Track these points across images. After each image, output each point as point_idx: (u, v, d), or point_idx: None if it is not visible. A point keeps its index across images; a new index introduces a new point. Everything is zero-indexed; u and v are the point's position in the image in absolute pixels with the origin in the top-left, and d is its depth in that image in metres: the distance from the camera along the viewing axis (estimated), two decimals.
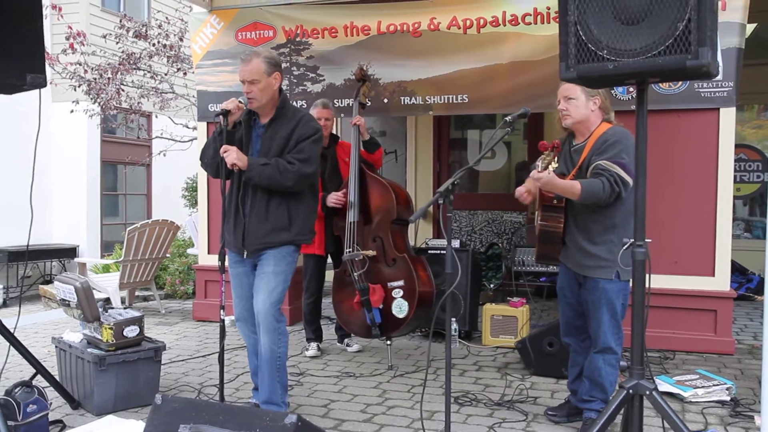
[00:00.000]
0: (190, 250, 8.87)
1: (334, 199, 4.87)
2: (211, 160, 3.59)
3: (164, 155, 10.93)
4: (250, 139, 3.60)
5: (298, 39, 5.93)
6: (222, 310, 3.58)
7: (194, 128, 9.85)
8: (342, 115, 5.95)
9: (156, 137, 11.05)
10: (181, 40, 9.60)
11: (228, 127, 3.49)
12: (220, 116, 3.49)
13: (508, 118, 3.20)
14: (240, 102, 3.51)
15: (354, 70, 5.41)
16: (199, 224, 6.83)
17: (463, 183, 8.13)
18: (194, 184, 10.20)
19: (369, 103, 5.20)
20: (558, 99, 3.60)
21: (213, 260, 6.60)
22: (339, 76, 5.85)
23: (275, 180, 3.43)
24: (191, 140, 10.26)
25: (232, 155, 3.42)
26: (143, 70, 9.69)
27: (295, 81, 6.00)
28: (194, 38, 6.39)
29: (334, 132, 5.19)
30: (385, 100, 5.65)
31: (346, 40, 5.76)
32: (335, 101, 5.91)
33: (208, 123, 6.49)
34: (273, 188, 3.49)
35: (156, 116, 11.75)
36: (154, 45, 9.45)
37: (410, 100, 5.61)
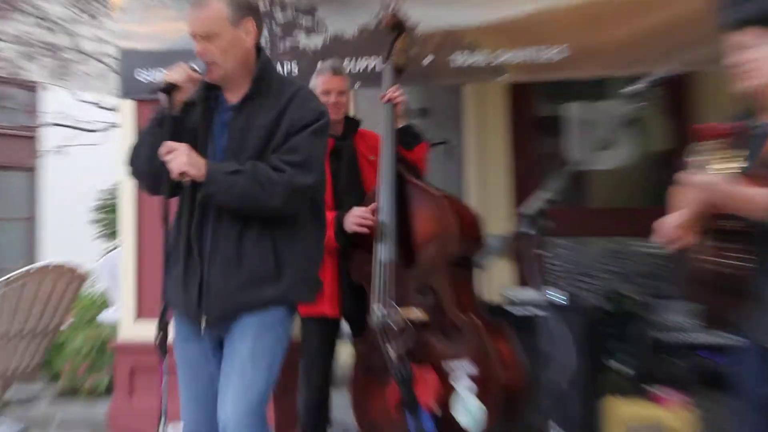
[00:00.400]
0: (103, 315, 7.79)
1: (356, 219, 4.29)
2: (145, 166, 3.22)
3: (61, 153, 10.01)
4: (210, 131, 3.29)
5: None
6: (162, 421, 3.28)
7: (112, 109, 9.34)
8: (358, 84, 5.17)
9: (48, 124, 10.20)
10: None
11: (174, 111, 3.18)
12: (161, 93, 3.15)
13: (638, 85, 3.04)
14: (193, 70, 3.22)
15: (380, 13, 4.96)
16: (122, 270, 6.02)
17: (564, 193, 7.13)
18: (112, 202, 9.81)
19: (404, 68, 4.61)
20: (728, 48, 3.10)
21: (146, 332, 5.44)
22: (352, 22, 5.23)
23: (252, 198, 3.10)
24: (107, 128, 9.68)
25: (180, 158, 3.06)
26: (26, 13, 9.01)
27: (278, 32, 5.33)
28: None
29: (350, 114, 4.64)
30: (428, 60, 5.05)
31: None
32: (345, 64, 5.13)
33: (137, 102, 5.76)
34: (249, 211, 3.16)
35: (47, 89, 10.67)
36: None
37: (469, 59, 5.08)
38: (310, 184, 3.22)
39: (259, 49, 3.35)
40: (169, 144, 3.13)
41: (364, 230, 4.27)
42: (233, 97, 3.32)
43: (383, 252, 4.21)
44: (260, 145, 3.25)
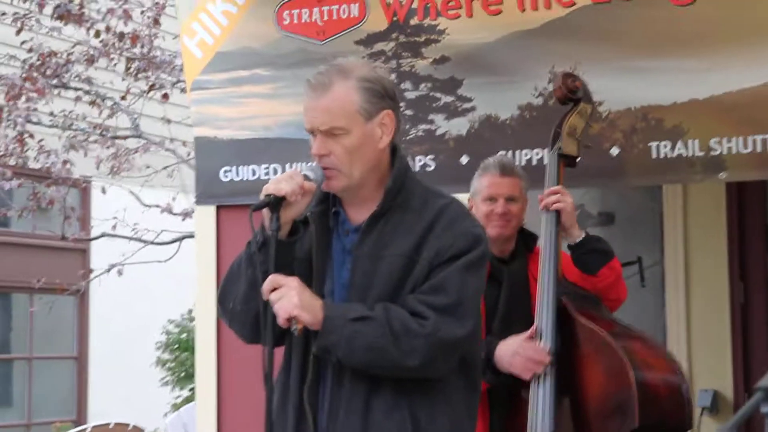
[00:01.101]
0: None
1: (523, 362, 3.92)
2: (241, 307, 3.04)
3: (119, 273, 9.54)
4: (328, 260, 3.10)
5: (414, 22, 4.99)
6: None
7: (185, 214, 9.28)
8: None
9: (101, 236, 9.82)
10: (155, 24, 8.82)
11: (281, 234, 2.96)
12: (264, 209, 2.95)
13: None
14: (307, 178, 2.99)
15: (551, 81, 4.62)
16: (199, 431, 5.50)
17: None
18: (186, 338, 9.78)
19: (579, 157, 4.30)
20: None
21: None
22: (509, 99, 4.85)
23: (383, 354, 2.91)
24: (178, 240, 9.39)
25: (290, 298, 2.88)
26: (75, 88, 9.05)
27: (408, 113, 4.98)
28: (186, 27, 5.38)
29: (525, 227, 4.32)
30: (614, 150, 4.64)
31: (520, 18, 4.83)
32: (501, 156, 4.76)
33: (218, 208, 5.30)
34: (379, 371, 2.95)
35: (104, 190, 10.44)
36: (98, 35, 8.71)
37: (673, 149, 4.62)
38: (462, 337, 3.01)
39: (394, 150, 3.14)
40: (275, 279, 2.91)
41: (527, 377, 3.92)
42: (358, 214, 3.09)
43: (539, 417, 3.89)
44: (394, 281, 3.02)
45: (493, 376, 3.93)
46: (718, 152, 4.55)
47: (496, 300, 4.11)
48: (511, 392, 4.08)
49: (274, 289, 2.91)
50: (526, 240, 4.27)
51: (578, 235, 4.07)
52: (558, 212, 4.07)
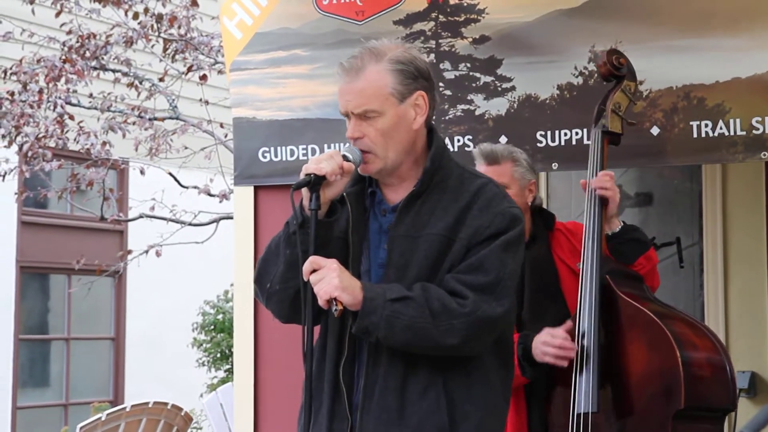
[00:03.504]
0: None
1: (549, 349, 3.85)
2: (279, 287, 3.05)
3: (157, 254, 9.57)
4: (364, 240, 3.11)
5: (454, 1, 5.03)
6: None
7: (223, 196, 9.34)
8: (555, 165, 4.93)
9: (139, 217, 9.85)
10: (193, 5, 8.71)
11: (319, 215, 2.97)
12: (302, 189, 2.97)
13: None
14: (346, 158, 3.00)
15: (591, 61, 4.70)
16: (236, 412, 5.50)
17: None
18: (222, 320, 9.87)
19: (622, 134, 4.25)
20: None
21: None
22: (548, 78, 4.86)
23: (422, 334, 2.94)
24: (215, 221, 9.44)
25: (330, 280, 2.90)
26: (113, 70, 9.12)
27: (447, 93, 5.01)
28: (226, 7, 5.37)
29: (536, 202, 4.35)
30: (655, 129, 4.66)
31: None
32: (540, 136, 4.83)
33: (256, 189, 5.31)
34: (416, 350, 2.99)
35: (142, 171, 10.38)
36: (136, 17, 8.64)
37: (714, 128, 4.64)
38: (500, 315, 3.01)
39: (430, 129, 3.16)
40: (315, 260, 2.93)
41: (562, 363, 3.86)
42: (395, 194, 3.11)
43: (582, 398, 3.84)
44: (431, 260, 3.03)
45: (532, 370, 3.96)
46: (760, 131, 4.54)
47: (522, 287, 4.10)
48: (549, 384, 4.10)
49: (314, 270, 2.93)
50: (545, 220, 4.27)
51: (617, 225, 4.06)
52: (605, 196, 4.08)
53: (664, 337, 3.88)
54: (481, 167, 4.11)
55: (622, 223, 4.07)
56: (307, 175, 2.94)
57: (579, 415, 3.85)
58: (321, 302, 2.91)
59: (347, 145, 3.13)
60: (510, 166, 4.12)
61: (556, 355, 3.88)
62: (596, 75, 4.48)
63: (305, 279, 2.95)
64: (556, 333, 3.94)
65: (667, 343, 3.87)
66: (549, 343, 3.89)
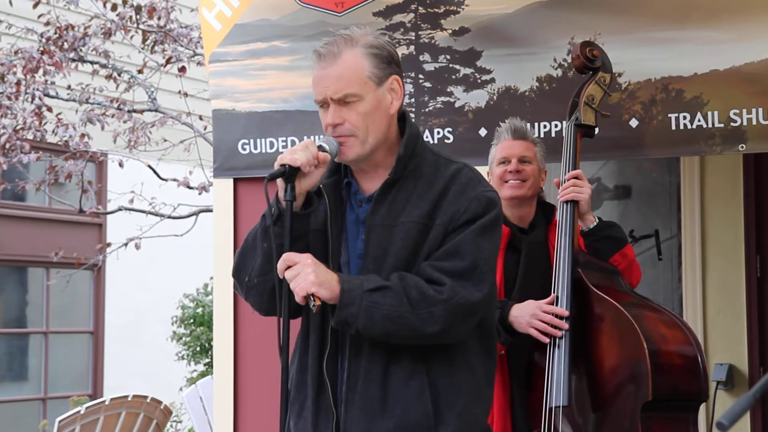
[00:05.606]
0: None
1: (536, 323, 3.94)
2: (259, 279, 3.07)
3: (136, 247, 9.62)
4: (342, 231, 3.13)
5: None
6: None
7: (202, 188, 9.33)
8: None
9: (118, 209, 9.91)
10: None
11: (295, 206, 2.98)
12: (278, 179, 2.96)
13: None
14: (322, 149, 3.00)
15: (570, 53, 4.68)
16: (216, 406, 5.47)
17: None
18: (202, 313, 9.95)
19: (596, 127, 4.29)
20: None
21: None
22: (528, 70, 4.93)
23: (401, 323, 2.96)
24: (195, 214, 9.47)
25: (305, 276, 2.90)
26: (92, 62, 9.16)
27: (426, 85, 5.07)
28: None
29: (542, 194, 4.37)
30: (633, 121, 4.74)
31: None
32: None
33: (236, 181, 5.33)
34: (397, 339, 3.01)
35: (121, 164, 10.49)
36: (115, 8, 8.68)
37: (692, 120, 4.70)
38: (479, 300, 3.01)
39: (403, 116, 3.16)
40: (289, 256, 2.94)
41: (545, 339, 3.95)
42: (370, 184, 3.12)
43: (554, 391, 3.89)
44: (409, 248, 3.03)
45: (507, 336, 3.99)
46: (737, 123, 4.58)
47: (515, 268, 4.15)
48: (530, 360, 4.11)
49: (290, 267, 2.93)
50: (545, 211, 4.26)
51: (591, 222, 4.11)
52: (576, 201, 4.09)
53: (632, 330, 3.92)
54: (505, 141, 4.20)
55: (597, 220, 4.12)
56: (281, 165, 2.94)
57: (551, 408, 3.88)
58: (298, 299, 2.91)
59: (325, 137, 3.11)
60: (533, 145, 4.19)
61: (545, 330, 3.94)
62: None
63: (280, 276, 2.96)
64: (547, 308, 4.00)
65: (634, 335, 3.91)
66: (538, 317, 3.95)
